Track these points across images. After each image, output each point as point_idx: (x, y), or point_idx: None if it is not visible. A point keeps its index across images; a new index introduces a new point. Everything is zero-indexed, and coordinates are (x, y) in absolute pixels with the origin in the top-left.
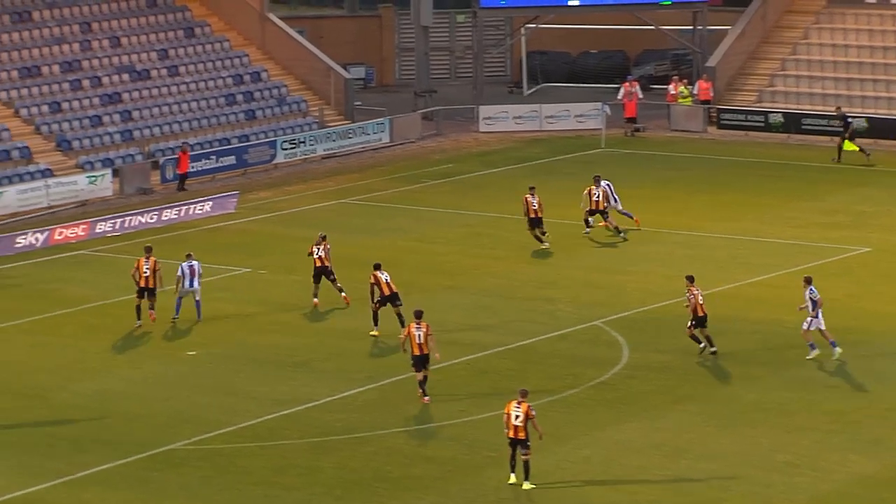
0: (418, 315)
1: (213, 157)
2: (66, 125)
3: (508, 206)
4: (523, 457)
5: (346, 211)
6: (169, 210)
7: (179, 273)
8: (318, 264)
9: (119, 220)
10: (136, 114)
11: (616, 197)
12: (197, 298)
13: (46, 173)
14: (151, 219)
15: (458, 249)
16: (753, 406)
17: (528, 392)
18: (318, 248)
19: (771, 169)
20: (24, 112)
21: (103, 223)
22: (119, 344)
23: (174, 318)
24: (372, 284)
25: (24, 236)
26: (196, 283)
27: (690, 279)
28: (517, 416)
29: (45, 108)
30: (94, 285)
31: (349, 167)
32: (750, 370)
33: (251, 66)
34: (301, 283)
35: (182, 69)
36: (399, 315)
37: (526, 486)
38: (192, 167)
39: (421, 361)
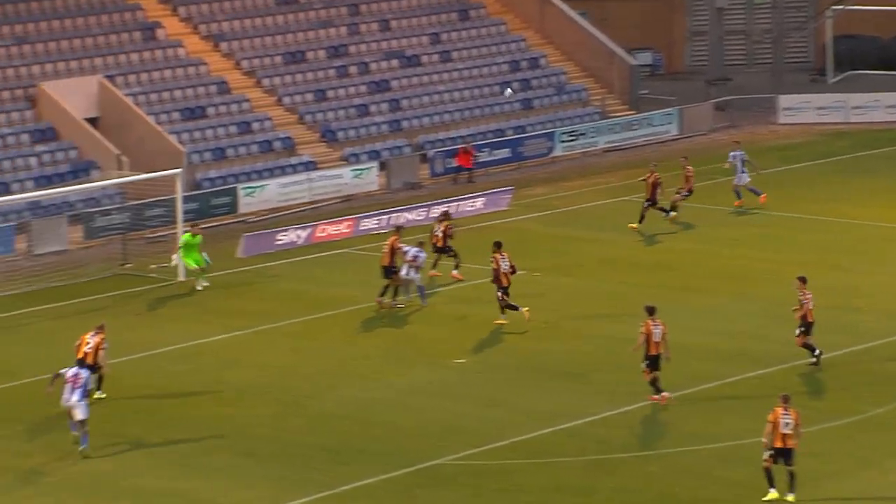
0: (652, 311)
1: (486, 149)
2: (331, 114)
3: (808, 207)
4: (789, 468)
5: (629, 210)
6: (438, 207)
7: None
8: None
9: (385, 217)
10: (404, 103)
11: (745, 169)
12: (419, 285)
13: (310, 166)
14: (419, 216)
15: (749, 252)
16: None
17: (790, 397)
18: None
19: None
20: (287, 100)
21: (368, 220)
22: (383, 349)
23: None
24: (495, 270)
25: (285, 233)
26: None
27: (803, 280)
28: (787, 424)
29: (309, 97)
30: (357, 286)
31: (633, 162)
32: None
33: (529, 52)
34: (577, 288)
35: (455, 55)
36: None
37: (790, 497)
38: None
39: (657, 361)
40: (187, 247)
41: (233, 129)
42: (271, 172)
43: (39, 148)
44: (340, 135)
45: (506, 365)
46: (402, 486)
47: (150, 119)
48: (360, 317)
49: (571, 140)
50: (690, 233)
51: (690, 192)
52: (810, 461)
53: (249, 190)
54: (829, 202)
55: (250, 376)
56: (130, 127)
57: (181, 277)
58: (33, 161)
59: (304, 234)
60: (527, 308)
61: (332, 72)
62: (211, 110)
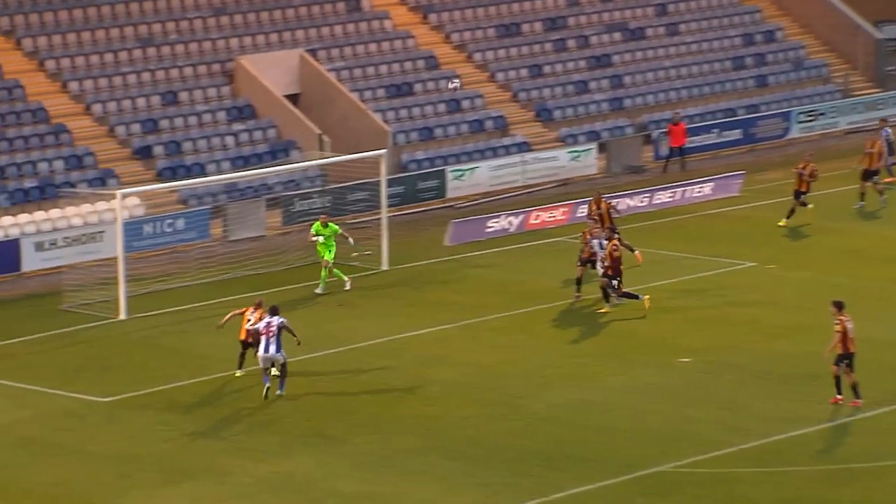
0: (840, 307)
1: (716, 130)
2: (546, 92)
3: None
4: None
5: (870, 197)
6: (662, 192)
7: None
8: None
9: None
10: (627, 79)
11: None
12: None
13: (523, 147)
14: (641, 202)
15: None
16: None
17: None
18: None
19: None
20: (500, 76)
21: (586, 206)
22: (599, 346)
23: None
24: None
25: (496, 220)
26: None
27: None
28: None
29: (523, 72)
30: (572, 278)
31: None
32: None
33: (764, 24)
34: (813, 282)
35: (682, 27)
36: None
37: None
38: (691, 142)
39: (848, 359)
40: (322, 244)
41: (441, 107)
42: (482, 154)
43: (236, 127)
44: (557, 114)
45: (735, 365)
46: (620, 495)
47: (354, 96)
48: (575, 311)
49: (810, 120)
50: None
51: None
52: None
53: (458, 173)
54: None
55: (456, 374)
56: (332, 104)
57: (385, 266)
58: (230, 140)
59: (516, 220)
60: (647, 296)
61: (548, 45)
62: (418, 87)
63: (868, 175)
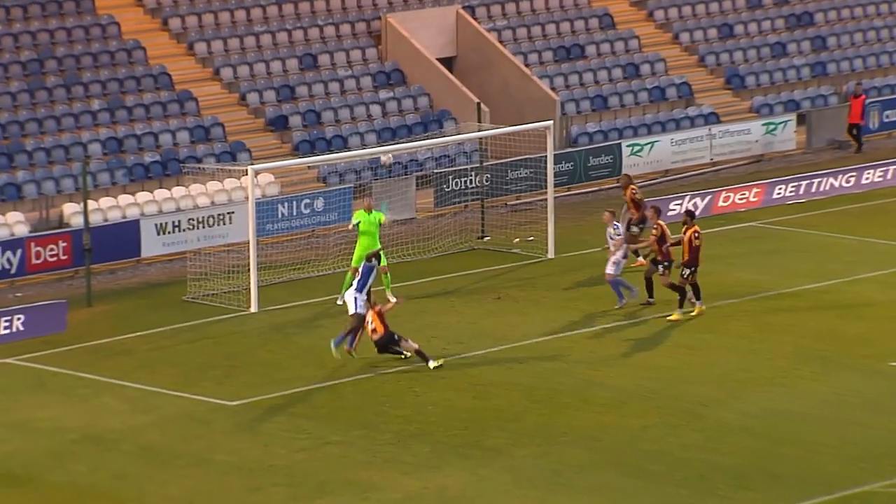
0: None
1: None
2: (738, 55)
3: None
4: None
5: None
6: (871, 171)
7: None
8: None
9: (804, 183)
10: (831, 41)
11: None
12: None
13: (711, 119)
14: (847, 182)
15: None
16: None
17: None
18: None
19: None
20: (684, 37)
21: (783, 186)
22: (797, 348)
23: None
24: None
25: (679, 201)
26: None
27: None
28: None
29: (712, 33)
30: (767, 268)
31: None
32: None
33: None
34: None
35: None
36: None
37: None
38: None
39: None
40: (365, 235)
41: (617, 72)
42: (663, 126)
43: (383, 94)
44: (750, 80)
45: None
46: None
47: (517, 60)
48: (770, 307)
49: None
50: None
51: None
52: None
53: (636, 147)
54: None
55: (631, 378)
56: (493, 69)
57: (550, 254)
58: (376, 110)
59: (702, 202)
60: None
61: (741, 2)
62: (591, 49)
63: None
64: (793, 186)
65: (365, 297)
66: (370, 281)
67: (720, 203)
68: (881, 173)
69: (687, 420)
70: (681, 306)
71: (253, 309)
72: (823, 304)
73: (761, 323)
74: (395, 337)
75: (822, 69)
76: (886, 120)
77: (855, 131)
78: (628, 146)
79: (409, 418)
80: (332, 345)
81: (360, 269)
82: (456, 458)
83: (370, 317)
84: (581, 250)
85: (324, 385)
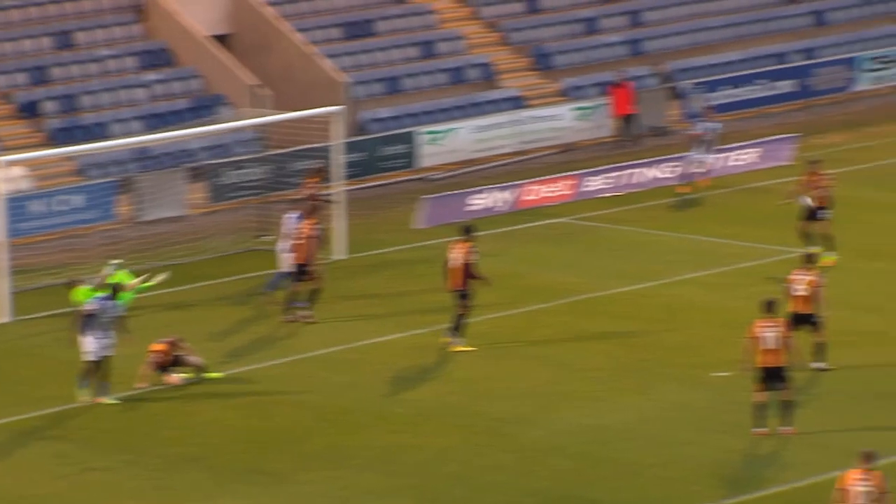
0: (770, 308)
1: (761, 81)
2: (545, 32)
3: None
4: None
5: None
6: (691, 159)
7: None
8: None
9: (619, 174)
10: (648, 16)
11: None
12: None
13: (516, 103)
14: (668, 172)
15: None
16: None
17: (875, 455)
18: None
19: None
20: (486, 13)
21: (595, 178)
22: (614, 358)
23: None
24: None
25: (481, 195)
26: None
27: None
28: (866, 494)
29: (516, 7)
30: (581, 269)
31: None
32: None
33: None
34: (892, 275)
35: None
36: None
37: None
38: (730, 95)
39: (770, 377)
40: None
41: (411, 51)
42: (463, 111)
43: (149, 76)
44: (559, 60)
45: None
46: None
47: (300, 38)
48: (583, 312)
49: (882, 69)
50: None
51: None
52: None
53: (434, 135)
54: None
55: (432, 392)
56: (273, 49)
57: (342, 255)
58: (141, 94)
59: (507, 196)
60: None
61: None
62: (382, 26)
63: None
64: (608, 178)
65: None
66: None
67: (527, 197)
68: (701, 163)
69: (492, 439)
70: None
71: (5, 319)
72: (642, 308)
73: (573, 330)
74: (179, 355)
75: (637, 48)
76: (710, 104)
77: (623, 122)
78: (425, 134)
79: (183, 440)
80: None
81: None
82: (235, 484)
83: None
84: (376, 250)
85: (85, 405)
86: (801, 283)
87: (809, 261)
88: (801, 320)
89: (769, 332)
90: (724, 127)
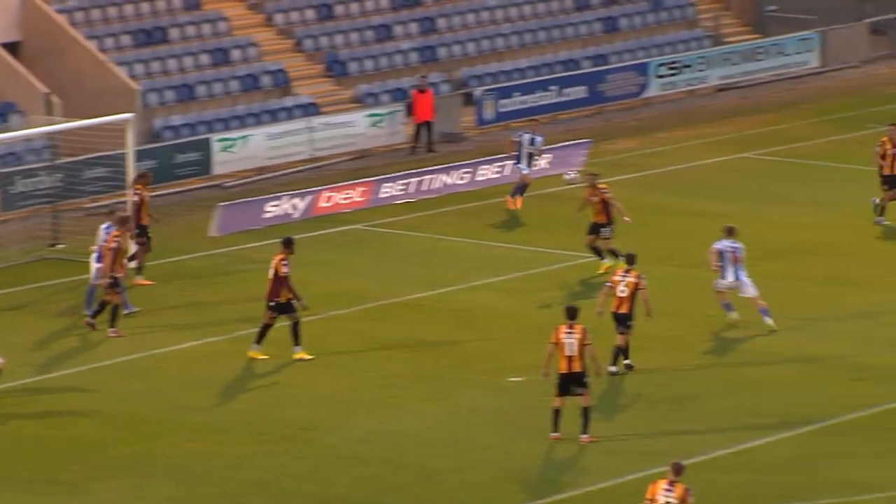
0: (571, 315)
1: (554, 87)
2: (339, 38)
3: None
4: None
5: (749, 170)
6: (486, 166)
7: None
8: None
9: (413, 181)
10: (441, 23)
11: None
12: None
13: (310, 109)
14: (461, 178)
15: None
16: None
17: (683, 468)
18: None
19: None
20: (279, 19)
21: (391, 184)
22: (413, 364)
23: None
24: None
25: (276, 202)
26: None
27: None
28: (667, 503)
29: (309, 14)
30: (376, 275)
31: (757, 105)
32: None
33: None
34: (680, 281)
35: None
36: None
37: None
38: (523, 102)
39: (570, 382)
40: None
41: (204, 58)
42: (257, 119)
43: None
44: (353, 67)
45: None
46: None
47: (91, 45)
48: (379, 319)
49: (672, 74)
50: (845, 205)
51: None
52: None
53: (227, 143)
54: None
55: (230, 401)
56: (64, 56)
57: (133, 263)
58: None
59: (301, 203)
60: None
61: None
62: (174, 33)
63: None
64: (402, 184)
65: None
66: None
67: (322, 203)
68: (498, 169)
69: (290, 447)
70: (258, 342)
71: None
72: (438, 314)
73: (370, 337)
74: None
75: (431, 54)
76: (503, 110)
77: (424, 129)
78: (219, 141)
79: None
80: None
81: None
82: (29, 495)
83: None
84: (172, 258)
85: None
86: (623, 284)
87: (630, 262)
88: (622, 320)
89: (569, 339)
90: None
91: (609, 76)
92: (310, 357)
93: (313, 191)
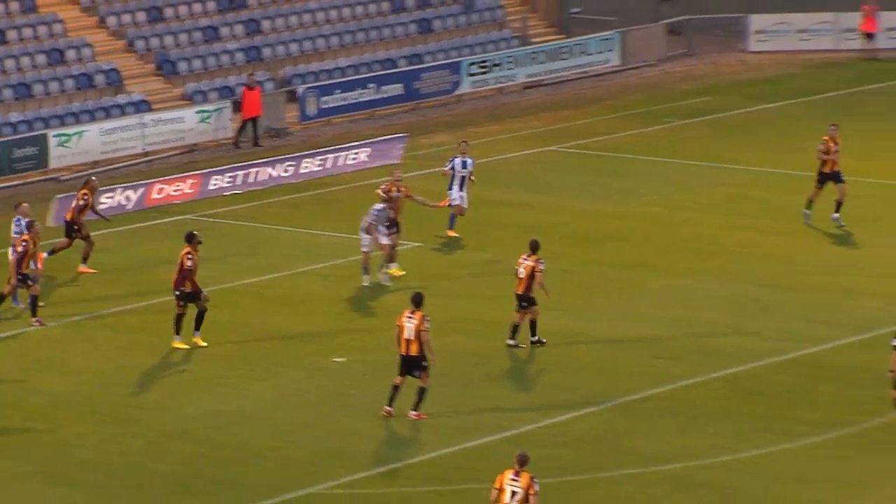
0: (416, 301)
1: (372, 85)
2: (169, 39)
3: (788, 158)
4: None
5: (555, 163)
6: (310, 160)
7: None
8: None
9: (241, 173)
10: (265, 24)
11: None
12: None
13: (142, 107)
14: (286, 171)
15: (715, 219)
16: None
17: (528, 459)
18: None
19: None
20: (111, 21)
21: (219, 177)
22: (241, 347)
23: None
24: None
25: (110, 194)
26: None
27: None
28: (514, 494)
29: (140, 17)
30: (206, 263)
31: (561, 101)
32: None
33: None
34: (495, 264)
35: None
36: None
37: None
38: (343, 99)
39: (408, 364)
40: None
41: (41, 58)
42: (91, 115)
43: None
44: (182, 66)
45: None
46: None
47: None
48: (211, 303)
49: (482, 73)
50: (649, 195)
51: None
52: (784, 489)
53: (63, 138)
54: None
55: (66, 383)
56: None
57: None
58: None
59: (134, 195)
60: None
61: None
62: (12, 34)
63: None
64: (230, 177)
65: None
66: None
67: (154, 195)
68: (320, 162)
69: (124, 426)
70: (177, 333)
71: None
72: (265, 299)
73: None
74: None
75: (256, 54)
76: (324, 107)
77: (250, 125)
78: (55, 136)
79: None
80: None
81: None
82: None
83: None
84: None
85: None
86: (522, 266)
87: (532, 248)
88: (519, 300)
89: (409, 323)
90: (342, 126)
91: (424, 74)
92: (204, 344)
93: (145, 183)
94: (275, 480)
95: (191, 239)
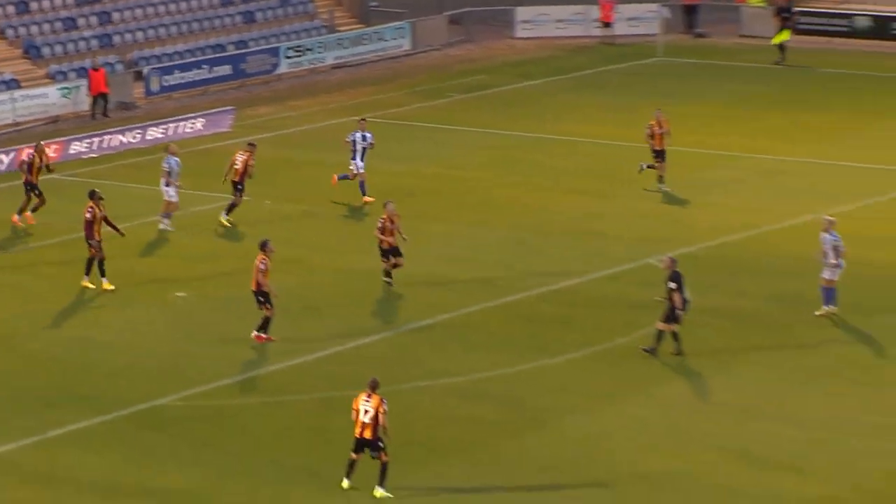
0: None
1: (206, 66)
2: (34, 28)
3: (549, 126)
4: (375, 459)
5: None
6: (154, 128)
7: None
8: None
9: (96, 140)
10: (115, 16)
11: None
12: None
13: (12, 84)
14: (134, 138)
15: (489, 177)
16: (839, 359)
17: (378, 383)
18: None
19: (857, 82)
20: None
21: (78, 143)
22: (97, 284)
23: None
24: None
25: None
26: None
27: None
28: (366, 412)
29: (10, 9)
30: (67, 215)
31: (363, 79)
32: (834, 317)
33: None
34: (311, 215)
35: None
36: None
37: (378, 493)
38: (181, 77)
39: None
40: None
41: None
42: None
43: None
44: (46, 51)
45: (233, 298)
46: (120, 430)
47: None
48: (70, 249)
49: (297, 56)
50: (434, 157)
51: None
52: (550, 397)
53: None
54: (565, 122)
55: None
56: None
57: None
58: None
59: (6, 158)
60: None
61: None
62: None
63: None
64: (87, 143)
65: None
66: None
67: (23, 159)
68: (163, 130)
69: (1, 352)
70: (87, 273)
71: None
72: (120, 245)
73: (65, 264)
74: None
75: (108, 40)
76: (166, 84)
77: (100, 100)
78: None
79: None
80: None
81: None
82: None
83: None
84: None
85: None
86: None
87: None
88: (383, 253)
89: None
90: (181, 101)
91: (248, 57)
92: (112, 287)
93: (15, 148)
94: (126, 395)
95: (92, 195)
